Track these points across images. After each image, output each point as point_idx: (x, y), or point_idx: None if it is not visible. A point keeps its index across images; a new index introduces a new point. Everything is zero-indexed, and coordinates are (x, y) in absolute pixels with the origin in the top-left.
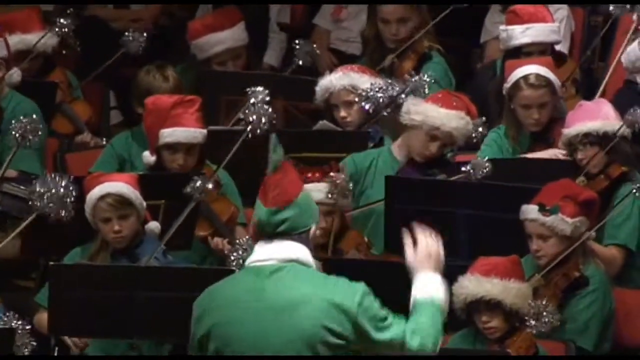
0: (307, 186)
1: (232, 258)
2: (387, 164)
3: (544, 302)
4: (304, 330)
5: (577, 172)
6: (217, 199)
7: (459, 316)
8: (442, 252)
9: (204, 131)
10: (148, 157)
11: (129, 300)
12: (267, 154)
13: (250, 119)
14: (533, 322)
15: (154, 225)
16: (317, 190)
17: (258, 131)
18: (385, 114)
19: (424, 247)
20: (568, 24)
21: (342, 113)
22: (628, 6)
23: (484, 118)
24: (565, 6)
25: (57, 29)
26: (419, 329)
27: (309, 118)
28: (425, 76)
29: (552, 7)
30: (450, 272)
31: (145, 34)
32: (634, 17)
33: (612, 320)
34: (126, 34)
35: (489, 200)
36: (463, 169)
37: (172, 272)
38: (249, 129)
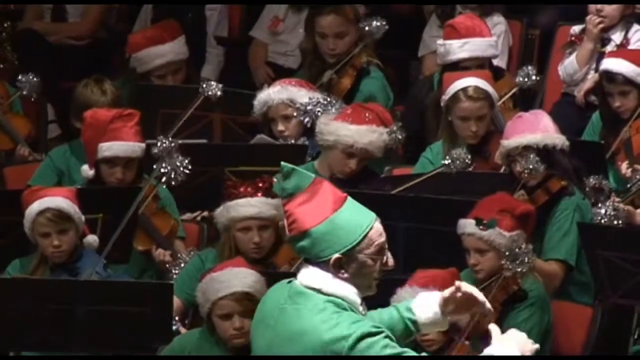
0: (239, 201)
1: (174, 272)
2: None
3: (520, 243)
4: None
5: (515, 186)
6: (156, 212)
7: None
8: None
9: (143, 145)
10: (87, 170)
11: (69, 314)
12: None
13: (166, 170)
14: (510, 265)
15: (92, 239)
16: (249, 205)
17: (173, 182)
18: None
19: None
20: (506, 39)
21: (280, 127)
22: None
23: (399, 123)
24: (503, 21)
25: None
26: None
27: (246, 132)
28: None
29: (491, 22)
30: (389, 285)
31: (38, 79)
32: (572, 30)
33: (550, 332)
34: (20, 77)
35: (427, 213)
36: (443, 162)
37: (112, 286)
38: (163, 179)
